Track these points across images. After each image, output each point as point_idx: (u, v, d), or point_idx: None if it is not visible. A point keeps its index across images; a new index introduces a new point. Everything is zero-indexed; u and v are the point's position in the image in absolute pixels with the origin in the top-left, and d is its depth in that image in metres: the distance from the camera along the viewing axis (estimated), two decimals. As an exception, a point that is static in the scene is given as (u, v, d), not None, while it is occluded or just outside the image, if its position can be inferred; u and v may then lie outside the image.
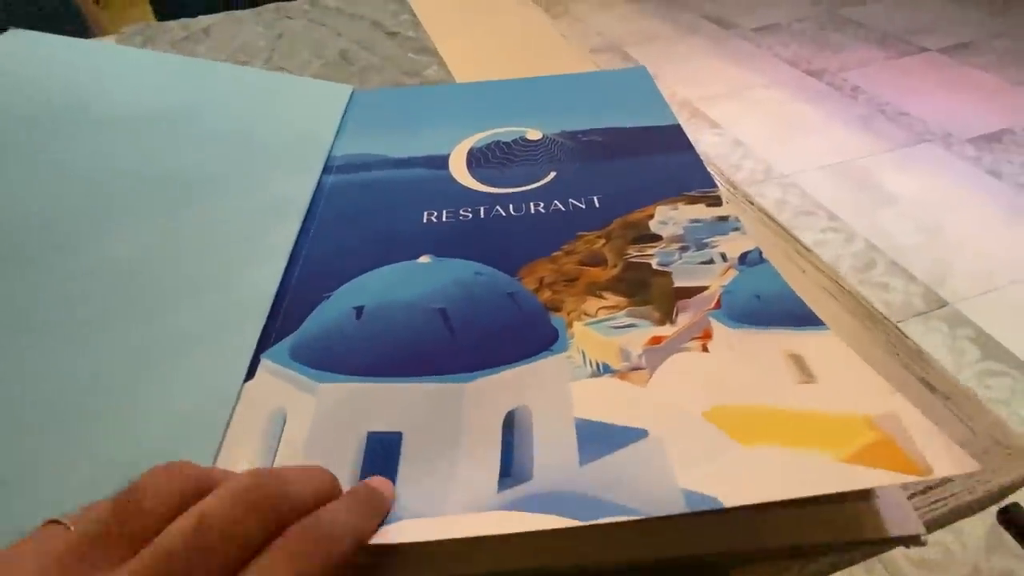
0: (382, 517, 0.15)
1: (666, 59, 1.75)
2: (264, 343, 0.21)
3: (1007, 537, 0.69)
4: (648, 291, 0.22)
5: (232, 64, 0.42)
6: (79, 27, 0.70)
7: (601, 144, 0.31)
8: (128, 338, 0.21)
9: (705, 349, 0.19)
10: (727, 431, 0.16)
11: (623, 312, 0.21)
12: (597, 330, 0.20)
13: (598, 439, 0.16)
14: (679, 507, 0.14)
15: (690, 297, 0.21)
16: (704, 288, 0.21)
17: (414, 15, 0.51)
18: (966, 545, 0.69)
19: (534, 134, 0.32)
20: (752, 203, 0.28)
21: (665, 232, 0.24)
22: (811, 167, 1.28)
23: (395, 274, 0.23)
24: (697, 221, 0.25)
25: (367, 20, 0.50)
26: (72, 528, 0.12)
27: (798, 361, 0.18)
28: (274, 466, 0.17)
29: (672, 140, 0.31)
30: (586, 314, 0.21)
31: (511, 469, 0.16)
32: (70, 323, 0.21)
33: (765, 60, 1.70)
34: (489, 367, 0.19)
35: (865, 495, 0.16)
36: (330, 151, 0.31)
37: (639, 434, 0.16)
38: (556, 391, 0.18)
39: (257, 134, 0.31)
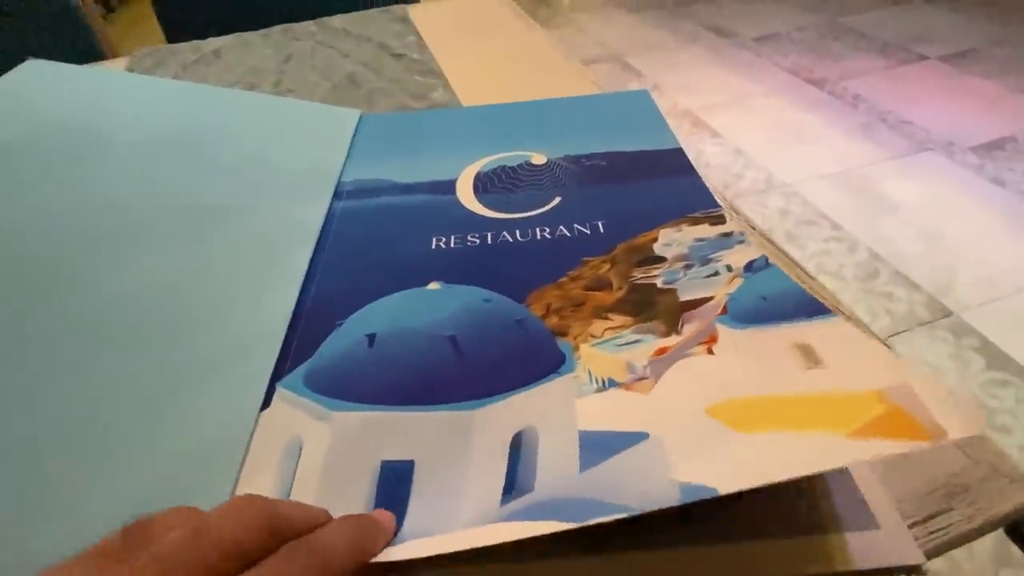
0: (382, 542, 0.15)
1: (667, 69, 1.77)
2: (279, 371, 0.21)
3: (1016, 550, 0.68)
4: (654, 308, 0.22)
5: (243, 90, 0.43)
6: (89, 44, 0.72)
7: (604, 168, 0.31)
8: (145, 367, 0.22)
9: (710, 352, 0.19)
10: (728, 423, 0.16)
11: (629, 330, 0.21)
12: (603, 349, 0.21)
13: (600, 447, 0.17)
14: (673, 500, 0.14)
15: (696, 308, 0.21)
16: (710, 298, 0.22)
17: (419, 36, 0.52)
18: (975, 559, 0.69)
19: (539, 158, 0.33)
20: (754, 228, 0.28)
21: (670, 253, 0.25)
22: (813, 176, 1.29)
23: (405, 301, 0.24)
24: (701, 240, 0.25)
25: (374, 42, 0.51)
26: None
27: (805, 350, 0.18)
28: (291, 496, 0.17)
29: (674, 163, 0.31)
30: (592, 336, 0.21)
31: (514, 484, 0.17)
32: (86, 352, 0.22)
33: (765, 69, 1.71)
34: (498, 393, 0.20)
35: (866, 524, 0.16)
36: (340, 176, 0.32)
37: (640, 437, 0.17)
38: (562, 409, 0.18)
39: (269, 161, 0.32)
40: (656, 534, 0.16)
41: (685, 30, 2.00)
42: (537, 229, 0.27)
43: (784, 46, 1.83)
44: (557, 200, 0.29)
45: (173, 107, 0.34)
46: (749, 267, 0.23)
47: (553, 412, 0.18)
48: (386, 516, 0.16)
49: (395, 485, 0.17)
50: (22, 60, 0.40)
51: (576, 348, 0.21)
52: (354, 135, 0.35)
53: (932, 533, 0.17)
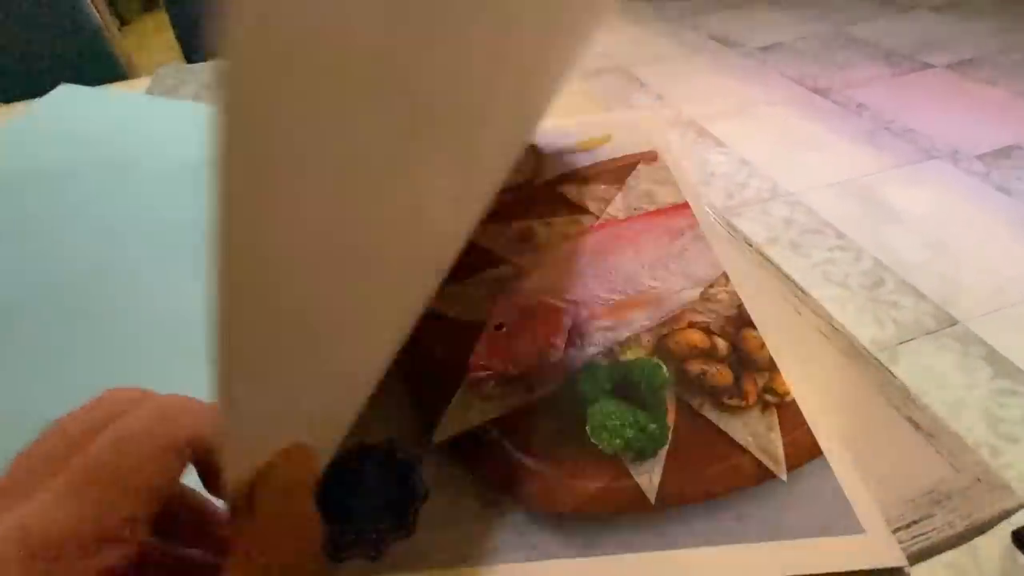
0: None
1: (672, 79, 1.78)
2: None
3: (1022, 557, 0.68)
4: None
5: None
6: (109, 60, 0.75)
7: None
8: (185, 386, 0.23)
9: None
10: None
11: None
12: None
13: None
14: None
15: None
16: None
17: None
18: (981, 566, 0.69)
19: (545, 177, 0.34)
20: (751, 245, 0.29)
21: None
22: (818, 185, 1.29)
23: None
24: None
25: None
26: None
27: None
28: None
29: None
30: None
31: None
32: (117, 380, 0.23)
33: (770, 78, 1.73)
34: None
35: (852, 528, 0.17)
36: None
37: None
38: None
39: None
40: (643, 537, 0.17)
41: (690, 40, 2.02)
42: (543, 246, 0.29)
43: (788, 55, 1.85)
44: (562, 218, 0.31)
45: (200, 131, 0.36)
46: None
47: None
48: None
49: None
50: (47, 76, 0.42)
51: None
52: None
53: (915, 537, 0.18)
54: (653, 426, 0.20)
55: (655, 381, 0.21)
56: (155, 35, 2.26)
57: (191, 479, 0.14)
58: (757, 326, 0.23)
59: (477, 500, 0.19)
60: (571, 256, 0.28)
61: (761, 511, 0.18)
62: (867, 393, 0.22)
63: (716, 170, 1.37)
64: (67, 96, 0.36)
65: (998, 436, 0.82)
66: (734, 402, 0.21)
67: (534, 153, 0.36)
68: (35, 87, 0.46)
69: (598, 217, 0.30)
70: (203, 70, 0.54)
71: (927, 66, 1.71)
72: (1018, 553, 0.69)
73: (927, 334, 0.96)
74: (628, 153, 0.35)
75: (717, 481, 0.19)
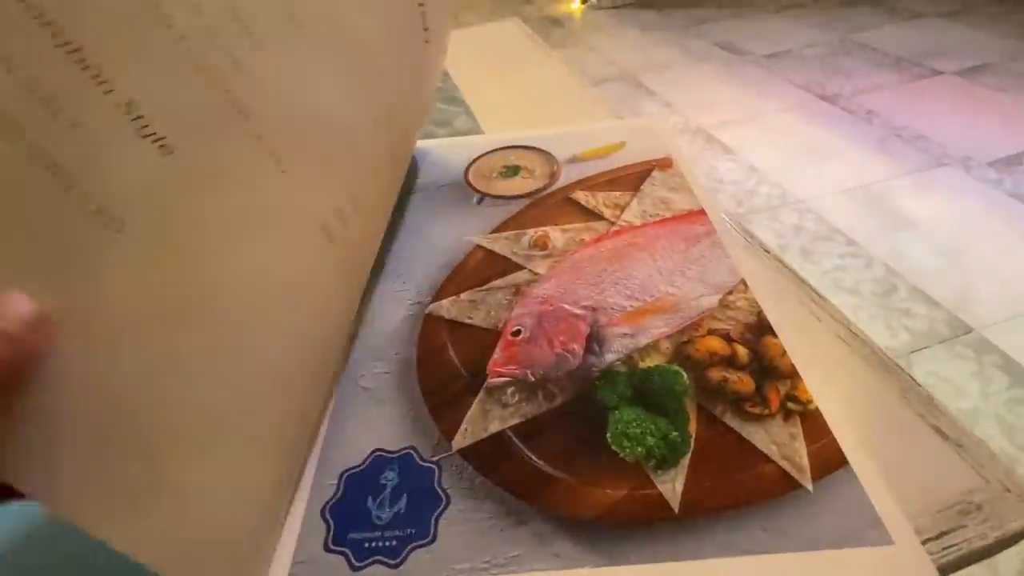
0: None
1: (679, 87, 1.79)
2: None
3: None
4: None
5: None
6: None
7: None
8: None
9: None
10: None
11: None
12: None
13: None
14: None
15: None
16: None
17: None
18: (1001, 580, 0.67)
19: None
20: (768, 251, 0.29)
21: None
22: (827, 192, 1.29)
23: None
24: None
25: (398, 71, 0.53)
26: None
27: None
28: None
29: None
30: None
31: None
32: None
33: (778, 86, 1.73)
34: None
35: (881, 539, 0.17)
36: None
37: None
38: None
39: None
40: (668, 547, 0.17)
41: (696, 48, 2.02)
42: (559, 253, 0.29)
43: (796, 63, 1.85)
44: (577, 225, 0.31)
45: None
46: None
47: None
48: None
49: None
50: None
51: None
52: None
53: (945, 549, 0.18)
54: (675, 434, 0.20)
55: (675, 388, 0.21)
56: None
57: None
58: (777, 333, 0.23)
59: (498, 507, 0.18)
60: (587, 263, 0.28)
61: (787, 521, 0.18)
62: (890, 400, 0.22)
63: (725, 177, 1.36)
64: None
65: (1015, 446, 0.81)
66: (756, 410, 0.20)
67: (548, 160, 0.37)
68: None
69: (613, 223, 0.30)
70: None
71: (936, 73, 1.71)
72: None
73: (941, 342, 0.95)
74: (642, 159, 0.35)
75: (741, 490, 0.18)
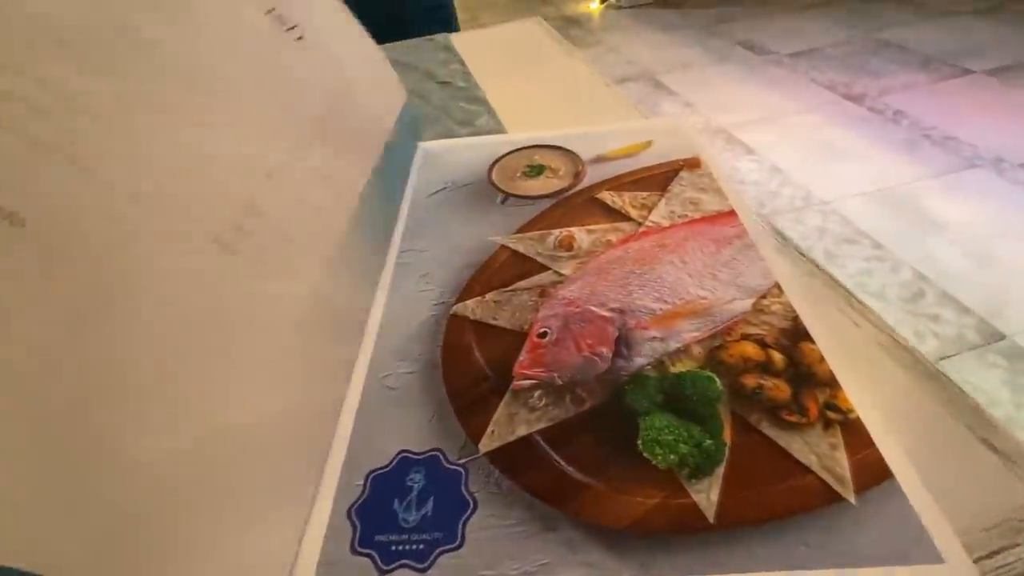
0: None
1: (699, 86, 1.76)
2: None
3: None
4: None
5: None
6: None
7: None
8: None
9: None
10: None
11: None
12: None
13: None
14: None
15: None
16: None
17: (463, 64, 0.54)
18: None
19: (584, 184, 0.34)
20: (804, 255, 0.28)
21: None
22: (852, 193, 1.26)
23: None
24: None
25: (420, 70, 0.53)
26: None
27: None
28: None
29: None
30: None
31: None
32: None
33: (801, 86, 1.69)
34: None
35: (931, 557, 0.16)
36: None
37: None
38: None
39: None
40: (703, 560, 0.16)
41: (717, 47, 2.00)
42: (585, 254, 0.28)
43: (820, 62, 1.81)
44: (604, 225, 0.30)
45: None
46: None
47: None
48: None
49: None
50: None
51: None
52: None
53: (999, 568, 0.17)
54: (709, 442, 0.19)
55: (709, 394, 0.21)
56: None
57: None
58: (815, 338, 0.22)
59: (526, 513, 0.18)
60: (614, 264, 0.28)
61: (829, 536, 0.17)
62: (936, 412, 0.21)
63: (747, 178, 1.34)
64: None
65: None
66: (794, 418, 0.20)
67: (573, 160, 0.36)
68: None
69: (641, 224, 0.30)
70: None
71: (967, 72, 1.66)
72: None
73: (971, 349, 0.92)
74: (669, 159, 0.35)
75: (780, 502, 0.18)
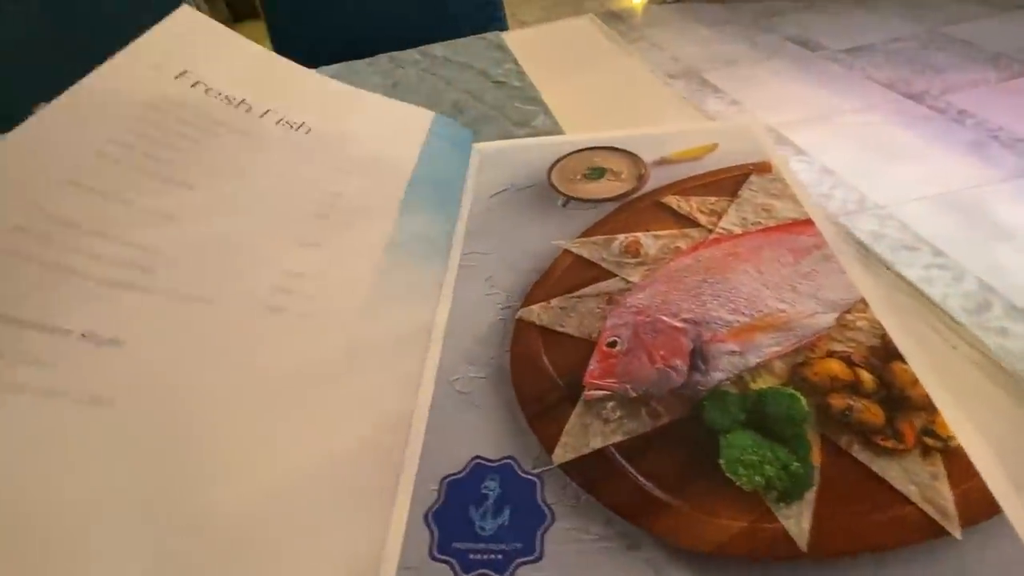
0: None
1: (746, 84, 1.71)
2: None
3: None
4: None
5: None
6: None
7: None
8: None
9: None
10: None
11: None
12: None
13: None
14: None
15: None
16: None
17: (517, 64, 0.53)
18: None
19: (648, 188, 0.33)
20: (889, 268, 0.27)
21: None
22: (912, 197, 1.20)
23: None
24: None
25: (474, 69, 0.53)
26: None
27: None
28: None
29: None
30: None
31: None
32: None
33: (856, 83, 1.62)
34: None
35: None
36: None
37: None
38: None
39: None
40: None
41: (766, 43, 1.93)
42: (652, 261, 0.28)
43: (878, 58, 1.73)
44: (670, 231, 0.29)
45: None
46: None
47: None
48: None
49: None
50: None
51: None
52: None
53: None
54: (796, 464, 0.18)
55: (794, 414, 0.20)
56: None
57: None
58: (907, 359, 0.21)
59: (607, 529, 0.18)
60: (685, 272, 0.27)
61: (932, 571, 0.16)
62: (1046, 443, 0.19)
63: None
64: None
65: None
66: (890, 444, 0.19)
67: (635, 162, 0.35)
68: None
69: (711, 231, 0.29)
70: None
71: (1042, 69, 1.55)
72: None
73: (1042, 366, 0.86)
74: (737, 162, 0.33)
75: (877, 533, 0.17)
